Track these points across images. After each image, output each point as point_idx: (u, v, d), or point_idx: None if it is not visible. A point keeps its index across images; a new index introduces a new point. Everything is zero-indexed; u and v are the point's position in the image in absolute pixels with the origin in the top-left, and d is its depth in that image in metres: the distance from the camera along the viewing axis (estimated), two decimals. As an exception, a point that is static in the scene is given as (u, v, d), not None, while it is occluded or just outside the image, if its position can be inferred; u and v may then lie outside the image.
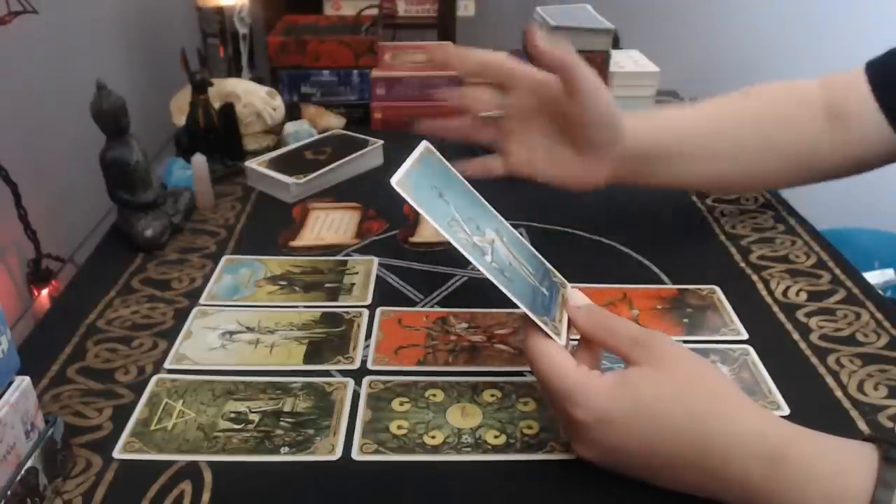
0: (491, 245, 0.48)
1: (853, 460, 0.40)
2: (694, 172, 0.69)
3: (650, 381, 0.43)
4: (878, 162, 0.70)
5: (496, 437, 0.50)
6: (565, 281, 0.54)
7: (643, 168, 0.67)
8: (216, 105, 0.86)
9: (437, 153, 0.52)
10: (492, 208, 0.53)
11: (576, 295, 0.51)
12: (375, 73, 1.02)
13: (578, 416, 0.44)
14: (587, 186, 0.67)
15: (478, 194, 0.53)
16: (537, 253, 0.54)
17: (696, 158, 0.68)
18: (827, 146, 0.69)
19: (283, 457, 0.48)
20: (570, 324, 0.49)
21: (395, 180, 0.45)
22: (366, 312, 0.63)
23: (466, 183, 0.52)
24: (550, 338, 0.46)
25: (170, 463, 0.48)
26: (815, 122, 0.69)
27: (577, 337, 0.49)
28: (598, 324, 0.47)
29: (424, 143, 0.51)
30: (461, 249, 0.46)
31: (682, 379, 0.43)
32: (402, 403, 0.53)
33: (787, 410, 0.52)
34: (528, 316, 0.46)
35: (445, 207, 0.47)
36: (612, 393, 0.43)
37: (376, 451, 0.49)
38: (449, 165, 0.52)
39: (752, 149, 0.69)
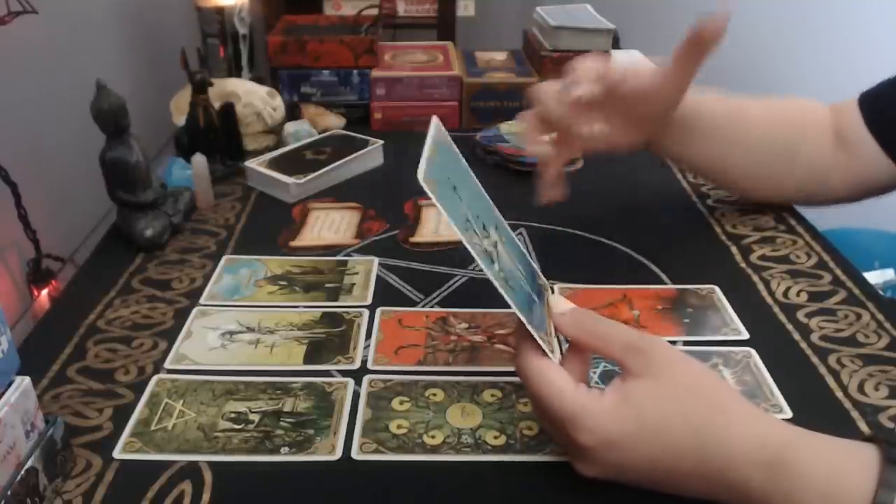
0: (495, 248, 0.46)
1: (854, 462, 0.39)
2: (716, 152, 0.71)
3: (651, 396, 0.42)
4: (880, 188, 0.72)
5: (496, 437, 0.50)
6: (548, 284, 0.53)
7: (672, 136, 0.69)
8: (216, 105, 0.86)
9: (445, 131, 0.49)
10: (487, 196, 0.51)
11: (559, 301, 0.49)
12: (375, 73, 1.02)
13: (582, 441, 0.43)
14: (620, 151, 0.68)
15: (476, 180, 0.51)
16: (525, 251, 0.53)
17: (722, 141, 0.71)
18: (834, 167, 0.72)
19: (283, 457, 0.48)
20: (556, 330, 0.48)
21: (421, 175, 0.41)
22: (366, 312, 0.63)
23: (468, 167, 0.50)
24: (545, 355, 0.44)
25: (170, 463, 0.48)
26: (826, 141, 0.72)
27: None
28: (586, 329, 0.46)
29: (435, 122, 0.48)
30: (477, 258, 0.43)
31: (683, 390, 0.43)
32: (402, 403, 0.53)
33: (789, 413, 0.52)
34: (521, 330, 0.44)
35: (459, 205, 0.45)
36: (614, 414, 0.42)
37: (376, 451, 0.49)
38: (454, 145, 0.49)
39: (769, 151, 0.72)
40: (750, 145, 0.72)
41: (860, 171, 0.71)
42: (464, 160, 0.50)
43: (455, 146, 0.50)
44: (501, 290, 0.43)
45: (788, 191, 0.75)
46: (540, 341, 0.44)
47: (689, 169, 0.77)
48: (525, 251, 0.53)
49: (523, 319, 0.44)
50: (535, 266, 0.53)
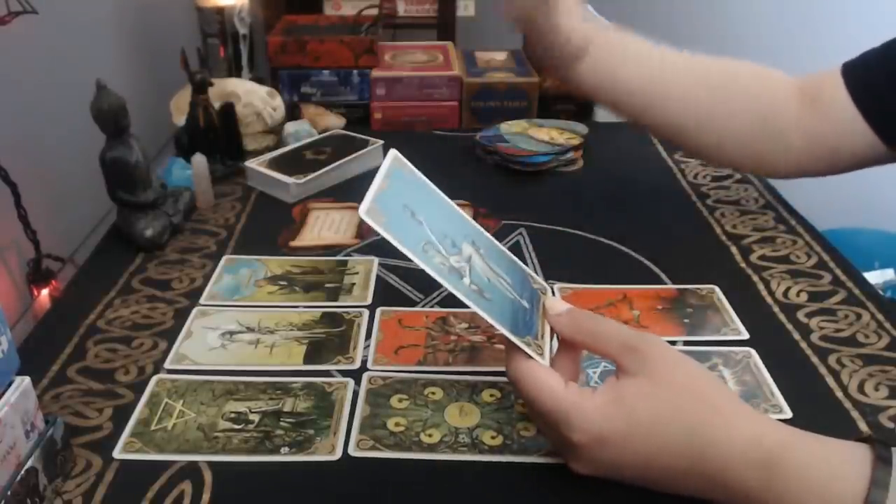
0: (468, 262, 0.47)
1: (848, 463, 0.39)
2: (652, 100, 0.71)
3: (645, 395, 0.42)
4: (853, 159, 0.69)
5: (493, 437, 0.50)
6: (546, 285, 0.53)
7: (593, 59, 0.70)
8: (216, 105, 0.86)
9: (407, 162, 0.49)
10: (465, 214, 0.51)
11: (555, 302, 0.49)
12: (375, 73, 1.02)
13: (574, 439, 0.43)
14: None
15: (450, 202, 0.50)
16: (515, 258, 0.53)
17: (655, 86, 0.70)
18: (794, 123, 0.69)
19: (283, 457, 0.48)
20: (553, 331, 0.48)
21: (363, 210, 0.42)
22: (366, 312, 0.63)
23: (438, 191, 0.50)
24: (533, 358, 0.45)
25: (170, 463, 0.48)
26: (786, 98, 0.69)
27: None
28: (582, 329, 0.46)
29: (392, 154, 0.49)
30: (437, 277, 0.44)
31: (678, 390, 0.43)
32: (400, 400, 0.53)
33: (789, 414, 0.52)
34: (506, 337, 0.45)
35: (418, 229, 0.45)
36: (606, 412, 0.42)
37: (373, 448, 0.49)
38: (419, 174, 0.50)
39: (707, 97, 0.70)
40: (681, 72, 0.70)
41: (831, 136, 0.68)
42: (432, 186, 0.50)
43: (420, 174, 0.50)
44: (470, 303, 0.44)
45: (745, 151, 0.72)
46: (521, 344, 0.44)
47: (615, 108, 0.73)
48: (514, 258, 0.53)
49: (497, 326, 0.44)
50: (531, 270, 0.53)
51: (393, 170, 0.47)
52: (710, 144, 0.72)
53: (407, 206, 0.46)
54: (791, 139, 0.69)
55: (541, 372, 0.44)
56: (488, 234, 0.52)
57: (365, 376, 0.55)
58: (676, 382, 0.43)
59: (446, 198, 0.51)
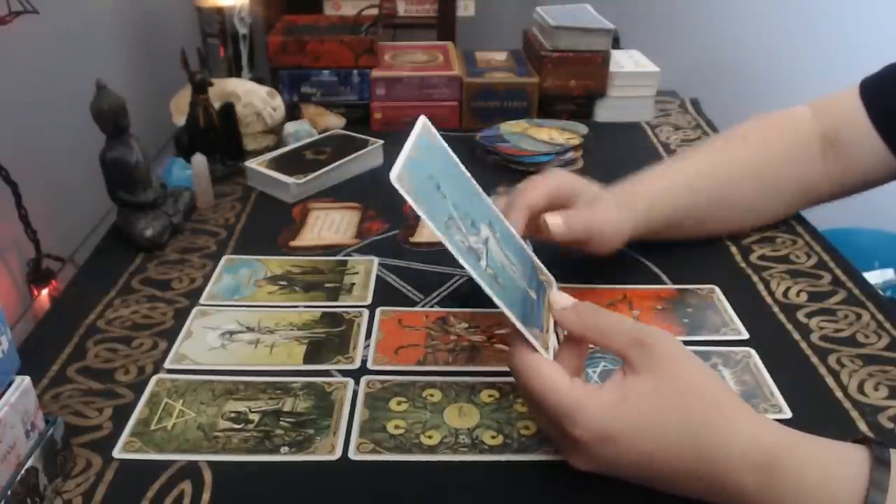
0: (485, 244, 0.46)
1: (845, 464, 0.40)
2: (705, 229, 0.71)
3: (649, 393, 0.42)
4: (875, 184, 0.71)
5: (493, 437, 0.50)
6: (552, 279, 0.53)
7: (655, 236, 0.67)
8: (216, 105, 0.86)
9: (434, 131, 0.49)
10: (483, 193, 0.51)
11: (560, 296, 0.49)
12: (375, 73, 1.02)
13: (577, 435, 0.43)
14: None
15: (470, 177, 0.50)
16: (525, 245, 0.53)
17: (706, 220, 0.70)
18: (824, 178, 0.71)
19: (283, 457, 0.48)
20: (557, 325, 0.48)
21: (394, 175, 0.42)
22: (366, 312, 0.63)
23: (460, 164, 0.50)
24: (538, 351, 0.44)
25: (170, 463, 0.48)
26: (813, 157, 0.70)
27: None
28: (589, 324, 0.46)
29: (422, 121, 0.48)
30: (457, 255, 0.43)
31: (683, 388, 0.43)
32: (399, 403, 0.53)
33: (789, 414, 0.52)
34: (513, 327, 0.44)
35: (442, 203, 0.45)
36: (611, 410, 0.42)
37: (373, 451, 0.49)
38: (444, 144, 0.49)
39: (757, 199, 0.72)
40: (734, 211, 0.71)
41: (854, 172, 0.70)
42: (456, 159, 0.50)
43: (446, 145, 0.50)
44: (486, 287, 0.44)
45: (780, 215, 0.76)
46: (530, 337, 0.44)
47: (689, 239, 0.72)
48: (524, 246, 0.53)
49: (510, 315, 0.44)
50: (539, 262, 0.53)
51: (422, 137, 0.46)
52: (756, 225, 0.75)
53: (433, 177, 0.45)
54: (822, 192, 0.72)
55: (545, 366, 0.44)
56: (503, 218, 0.51)
57: (363, 380, 0.55)
58: (681, 380, 0.43)
59: (468, 173, 0.50)
